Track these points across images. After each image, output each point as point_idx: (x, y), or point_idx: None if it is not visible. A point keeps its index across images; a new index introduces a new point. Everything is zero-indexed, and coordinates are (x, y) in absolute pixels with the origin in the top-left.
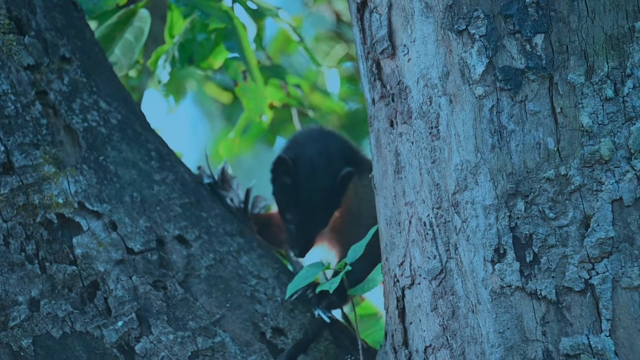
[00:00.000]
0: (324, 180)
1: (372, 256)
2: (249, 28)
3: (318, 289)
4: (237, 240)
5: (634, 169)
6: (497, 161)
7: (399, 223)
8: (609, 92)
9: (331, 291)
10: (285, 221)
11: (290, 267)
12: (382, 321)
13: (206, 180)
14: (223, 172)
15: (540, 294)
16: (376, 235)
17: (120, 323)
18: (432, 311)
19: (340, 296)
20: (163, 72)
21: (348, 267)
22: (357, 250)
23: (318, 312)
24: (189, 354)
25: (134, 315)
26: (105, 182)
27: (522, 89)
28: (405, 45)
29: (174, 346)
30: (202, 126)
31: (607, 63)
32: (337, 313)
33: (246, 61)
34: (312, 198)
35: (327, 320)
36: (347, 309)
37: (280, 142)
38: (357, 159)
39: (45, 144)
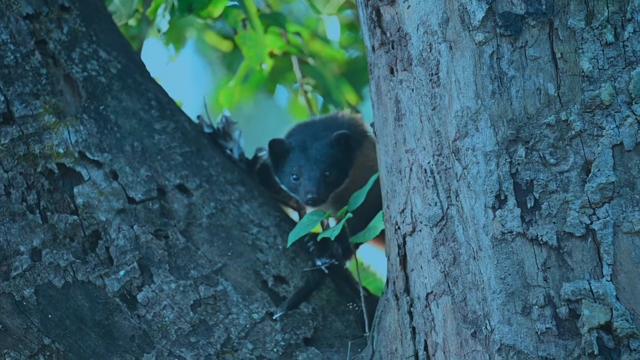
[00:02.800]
0: (319, 141)
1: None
2: None
3: (319, 237)
4: (238, 188)
5: (634, 114)
6: (497, 107)
7: (400, 170)
8: (609, 37)
9: (332, 238)
10: (294, 183)
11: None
12: (374, 273)
13: (207, 130)
14: (226, 121)
15: (542, 239)
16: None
17: (122, 272)
18: (433, 258)
19: (343, 246)
20: (162, 20)
21: (349, 215)
22: (357, 197)
23: (319, 262)
24: (191, 302)
25: (135, 264)
26: (106, 131)
27: (522, 34)
28: None
29: (176, 295)
30: (203, 75)
31: (607, 7)
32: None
33: (246, 9)
34: (316, 158)
35: (327, 271)
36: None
37: (281, 90)
38: (360, 133)
39: (45, 93)
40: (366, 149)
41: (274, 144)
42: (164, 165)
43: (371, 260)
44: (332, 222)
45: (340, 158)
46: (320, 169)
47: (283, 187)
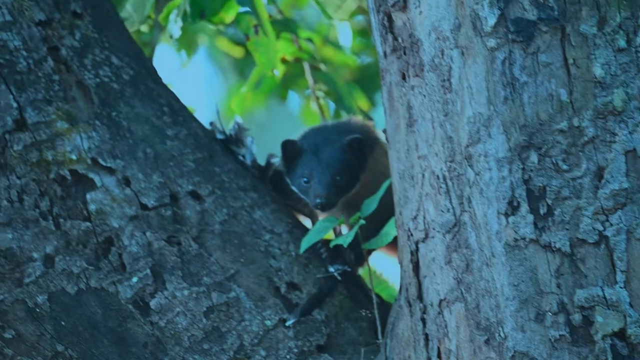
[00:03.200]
0: (332, 145)
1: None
2: None
3: (332, 243)
4: (251, 195)
5: None
6: (509, 113)
7: (412, 177)
8: (622, 43)
9: (345, 245)
10: (305, 186)
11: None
12: (386, 280)
13: (219, 136)
14: (239, 128)
15: (555, 246)
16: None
17: (135, 279)
18: (446, 264)
19: (356, 252)
20: (175, 26)
21: (362, 221)
22: (370, 204)
23: (332, 269)
24: (204, 309)
25: (148, 271)
26: (118, 137)
27: (535, 40)
28: None
29: (188, 301)
30: (215, 81)
31: (619, 13)
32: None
33: (258, 15)
34: (328, 162)
35: (339, 278)
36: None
37: (293, 97)
38: (372, 139)
39: (58, 100)
40: (378, 154)
41: (287, 145)
42: (177, 172)
43: (383, 268)
44: (344, 229)
45: (351, 163)
46: (331, 173)
47: (294, 189)
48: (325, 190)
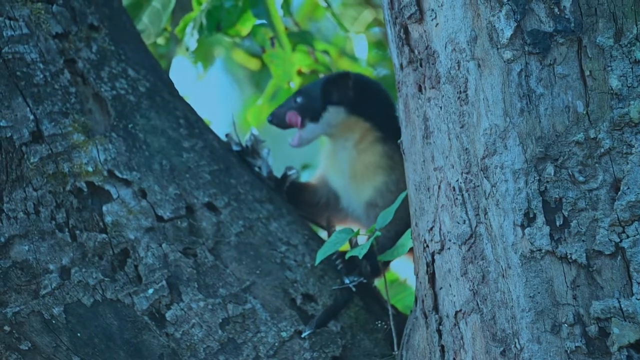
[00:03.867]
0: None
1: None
2: None
3: (348, 255)
4: (267, 206)
5: None
6: (526, 125)
7: (428, 188)
8: (638, 55)
9: (360, 257)
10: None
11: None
12: (411, 287)
13: (235, 148)
14: (254, 139)
15: (571, 257)
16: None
17: (150, 290)
18: (462, 276)
19: (372, 264)
20: (191, 39)
21: (377, 233)
22: (386, 216)
23: (347, 280)
24: (220, 320)
25: (164, 282)
26: (135, 149)
27: (551, 52)
28: (432, 10)
29: (204, 313)
30: (231, 93)
31: (636, 25)
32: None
33: (274, 28)
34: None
35: (354, 289)
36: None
37: None
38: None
39: (74, 112)
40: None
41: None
42: (193, 184)
43: (408, 274)
44: (361, 239)
45: (323, 92)
46: (295, 94)
47: None
48: (280, 107)
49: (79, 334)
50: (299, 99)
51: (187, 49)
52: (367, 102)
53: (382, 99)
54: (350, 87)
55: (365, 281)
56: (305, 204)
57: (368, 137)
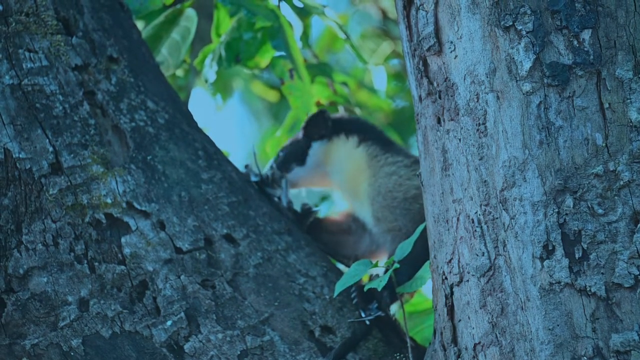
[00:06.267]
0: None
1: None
2: (295, 26)
3: (366, 287)
4: (285, 238)
5: None
6: (545, 157)
7: (447, 220)
8: None
9: (379, 289)
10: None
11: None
12: (432, 318)
13: (254, 179)
14: (273, 171)
15: (590, 290)
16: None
17: (169, 322)
18: (481, 308)
19: (390, 294)
20: (210, 71)
21: (396, 265)
22: (404, 248)
23: (364, 314)
24: (238, 352)
25: (182, 314)
26: (153, 181)
27: (570, 84)
28: (451, 42)
29: (223, 345)
30: (250, 125)
31: None
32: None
33: (293, 59)
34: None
35: (368, 322)
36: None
37: None
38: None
39: (94, 144)
40: (382, 164)
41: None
42: (211, 215)
43: None
44: (380, 270)
45: (301, 143)
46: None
47: None
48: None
49: None
50: (281, 153)
51: (206, 81)
52: (347, 124)
53: (362, 121)
54: (328, 118)
55: (382, 315)
56: (327, 240)
57: (359, 146)
